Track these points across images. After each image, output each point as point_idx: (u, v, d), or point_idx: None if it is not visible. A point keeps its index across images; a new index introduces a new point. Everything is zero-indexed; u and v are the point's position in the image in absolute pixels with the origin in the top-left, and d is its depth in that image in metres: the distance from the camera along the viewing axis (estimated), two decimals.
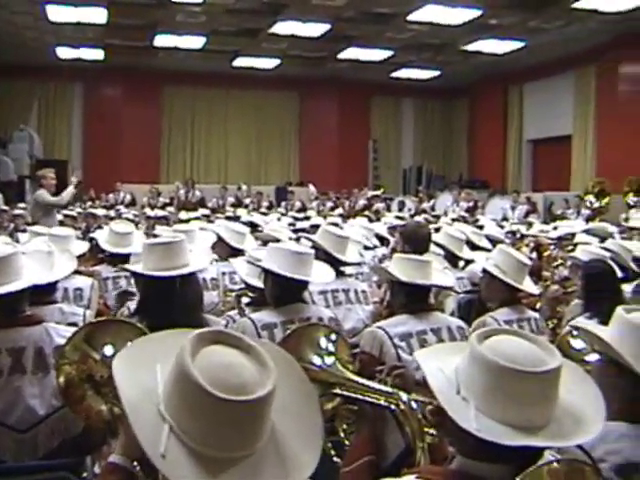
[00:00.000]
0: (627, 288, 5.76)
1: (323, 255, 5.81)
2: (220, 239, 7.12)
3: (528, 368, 2.11)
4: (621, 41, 20.74)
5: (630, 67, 21.62)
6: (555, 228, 11.40)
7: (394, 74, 27.57)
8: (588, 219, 15.99)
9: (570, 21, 19.92)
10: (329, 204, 22.13)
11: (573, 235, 9.61)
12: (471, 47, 23.11)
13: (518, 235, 11.44)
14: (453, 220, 13.58)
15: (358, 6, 19.20)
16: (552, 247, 9.50)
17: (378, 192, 23.90)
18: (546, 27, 20.62)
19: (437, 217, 16.03)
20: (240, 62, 26.06)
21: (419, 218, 14.44)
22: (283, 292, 4.61)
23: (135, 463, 2.24)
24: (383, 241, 9.38)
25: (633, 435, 2.70)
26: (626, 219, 15.92)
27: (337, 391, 3.22)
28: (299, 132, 29.74)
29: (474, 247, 7.76)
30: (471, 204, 20.30)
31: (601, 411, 2.31)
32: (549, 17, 19.67)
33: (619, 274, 5.80)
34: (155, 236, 6.52)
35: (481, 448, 2.13)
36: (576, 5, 18.35)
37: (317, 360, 3.25)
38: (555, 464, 1.97)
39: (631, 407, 2.78)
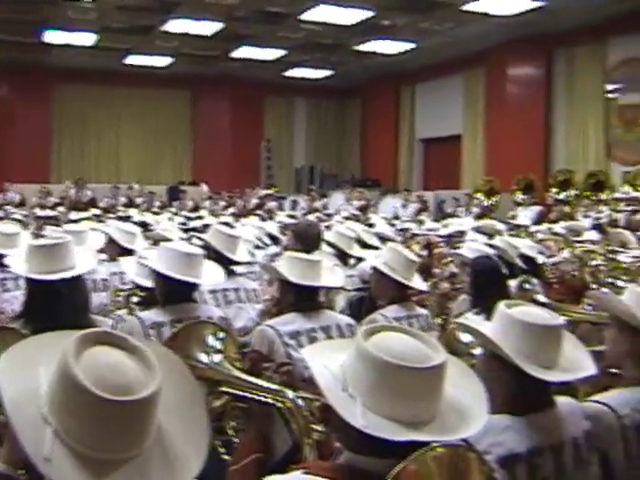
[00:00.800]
0: (513, 283, 5.87)
1: (214, 254, 5.79)
2: (110, 239, 7.04)
3: (413, 364, 2.13)
4: (509, 44, 21.19)
5: (517, 69, 22.13)
6: (445, 226, 11.60)
7: (287, 73, 27.61)
8: (478, 217, 16.27)
9: (460, 23, 20.26)
10: (222, 203, 22.05)
11: (462, 233, 9.77)
12: (363, 47, 23.29)
13: (409, 233, 11.56)
14: (345, 219, 13.67)
15: (251, 5, 19.16)
16: (442, 244, 9.64)
17: (271, 191, 23.95)
18: (437, 29, 20.93)
19: (329, 216, 16.13)
20: (132, 60, 25.73)
21: (311, 217, 14.49)
22: (172, 292, 4.59)
23: (21, 471, 2.18)
24: (275, 240, 9.38)
25: (516, 427, 2.76)
26: (513, 217, 16.31)
27: (225, 389, 3.21)
28: (192, 131, 29.51)
29: (365, 245, 7.84)
30: (363, 203, 20.48)
31: (484, 405, 2.35)
32: (440, 19, 19.96)
33: (505, 270, 5.92)
34: (43, 237, 6.39)
35: (367, 443, 2.15)
36: (466, 8, 18.67)
37: (204, 358, 3.24)
38: (440, 449, 1.99)
39: (514, 400, 2.83)
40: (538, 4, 18.26)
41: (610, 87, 20.12)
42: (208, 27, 21.32)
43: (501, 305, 2.95)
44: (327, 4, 18.81)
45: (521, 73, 22.10)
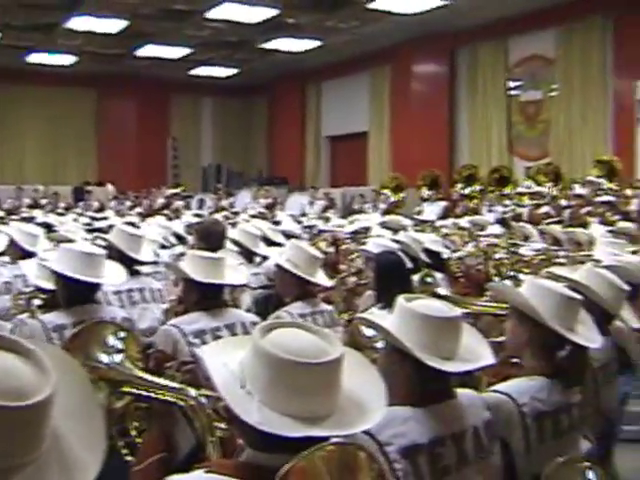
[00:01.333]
0: (416, 278, 5.94)
1: (117, 254, 5.73)
2: (12, 241, 6.90)
3: (308, 360, 2.13)
4: (414, 42, 21.41)
5: (422, 67, 22.40)
6: (352, 222, 11.67)
7: (193, 72, 27.47)
8: (384, 213, 16.41)
9: (365, 21, 20.39)
10: (128, 203, 21.82)
11: (368, 229, 9.84)
12: (269, 45, 23.28)
13: (316, 230, 11.61)
14: (252, 217, 13.65)
15: (156, 3, 19.01)
16: (349, 241, 9.69)
17: (177, 190, 23.78)
18: (342, 27, 21.03)
19: (236, 214, 16.09)
20: (35, 58, 25.26)
21: (218, 216, 14.43)
22: (74, 293, 4.54)
23: None
24: (181, 239, 9.32)
25: (418, 418, 2.79)
26: (419, 212, 16.51)
27: (127, 389, 3.18)
28: (97, 131, 29.13)
29: (271, 243, 7.85)
30: (270, 201, 20.49)
31: (383, 398, 2.37)
32: (345, 17, 20.07)
33: (409, 265, 5.98)
34: None
35: (267, 440, 2.15)
36: (371, 6, 18.79)
37: (105, 358, 3.20)
38: (330, 447, 2.00)
39: (415, 391, 2.87)
40: (441, 2, 18.50)
41: (512, 84, 20.50)
42: (112, 25, 21.08)
43: (400, 299, 2.98)
44: (232, 2, 18.77)
45: (425, 70, 22.39)
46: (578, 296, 3.57)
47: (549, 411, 3.33)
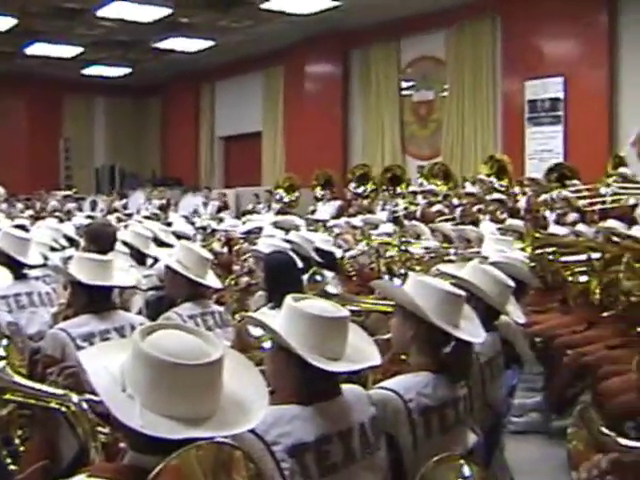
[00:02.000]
0: (306, 276, 5.96)
1: (4, 258, 5.62)
2: None
3: (188, 361, 2.13)
4: (307, 42, 21.48)
5: (315, 67, 22.48)
6: (245, 223, 11.65)
7: (85, 71, 27.02)
8: (278, 213, 16.43)
9: (259, 21, 20.35)
10: (19, 205, 21.34)
11: (261, 229, 9.85)
12: (162, 45, 23.05)
13: (209, 230, 11.57)
14: (145, 218, 13.51)
15: (45, 1, 18.63)
16: (242, 241, 9.68)
17: (70, 192, 23.37)
18: (235, 27, 20.95)
19: (129, 215, 15.93)
20: None
21: (111, 217, 14.26)
22: None
23: None
24: (72, 242, 9.16)
25: (304, 416, 2.80)
26: (313, 212, 16.56)
27: (9, 397, 3.12)
28: None
29: (163, 244, 7.79)
30: (164, 202, 20.32)
31: (265, 398, 2.39)
32: (238, 17, 20.00)
33: (300, 264, 6.01)
34: None
35: (149, 443, 2.14)
36: (264, 6, 18.76)
37: None
38: (205, 446, 2.00)
39: (302, 390, 2.88)
40: (334, 3, 18.58)
41: (404, 84, 20.72)
42: (1, 23, 20.54)
43: (288, 299, 2.99)
44: (123, 0, 18.51)
45: (319, 71, 22.47)
46: (461, 292, 3.63)
47: (435, 406, 3.38)
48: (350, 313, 3.05)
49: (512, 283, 4.65)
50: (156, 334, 2.25)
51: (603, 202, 10.77)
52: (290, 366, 2.89)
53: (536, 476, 5.68)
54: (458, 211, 12.73)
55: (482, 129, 18.67)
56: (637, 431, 4.25)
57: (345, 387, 3.03)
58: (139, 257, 7.15)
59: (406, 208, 14.08)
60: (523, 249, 7.40)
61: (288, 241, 6.98)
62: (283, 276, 5.39)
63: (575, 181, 12.63)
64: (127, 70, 27.00)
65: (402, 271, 7.34)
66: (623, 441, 2.66)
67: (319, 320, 2.87)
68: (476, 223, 10.87)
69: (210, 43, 22.73)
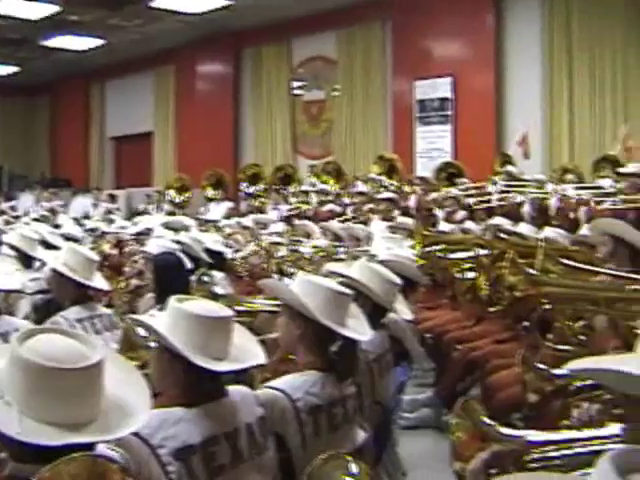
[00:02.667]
0: (194, 277, 5.92)
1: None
2: None
3: (67, 365, 2.10)
4: (198, 42, 21.32)
5: (207, 67, 22.34)
6: (135, 224, 11.53)
7: None
8: (169, 213, 16.30)
9: (149, 20, 20.08)
10: None
11: (152, 230, 9.75)
12: (51, 43, 22.49)
13: (99, 232, 11.39)
14: (34, 220, 13.23)
15: None
16: (132, 242, 9.57)
17: None
18: (126, 25, 20.63)
19: (17, 218, 15.57)
20: None
21: None
22: None
23: None
24: None
25: (190, 418, 2.79)
26: (205, 212, 16.47)
27: None
28: None
29: (50, 247, 7.63)
30: (53, 203, 19.92)
31: (147, 401, 2.36)
32: (128, 15, 19.68)
33: (189, 265, 5.97)
34: None
35: (29, 451, 2.09)
36: (154, 4, 18.52)
37: None
38: (79, 458, 1.96)
39: (187, 392, 2.87)
40: (225, 3, 18.46)
41: (295, 84, 20.75)
42: None
43: (172, 299, 2.98)
44: None
45: (210, 71, 22.34)
46: (348, 291, 3.66)
47: (323, 405, 3.40)
48: (238, 313, 3.05)
49: (399, 281, 4.71)
50: (34, 339, 2.20)
51: (490, 200, 10.99)
52: (174, 367, 2.88)
53: (428, 470, 5.75)
54: (349, 210, 12.82)
55: (373, 129, 18.82)
56: (523, 421, 4.34)
57: (231, 388, 3.03)
58: (26, 260, 6.97)
59: (298, 207, 14.09)
60: (413, 247, 7.48)
61: (177, 242, 6.92)
62: (171, 277, 5.35)
63: (464, 179, 12.86)
64: (15, 69, 26.33)
65: (292, 271, 7.35)
66: (504, 430, 2.71)
67: (202, 320, 2.87)
68: (367, 222, 10.96)
69: (100, 42, 22.32)
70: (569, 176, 12.39)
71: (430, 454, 6.28)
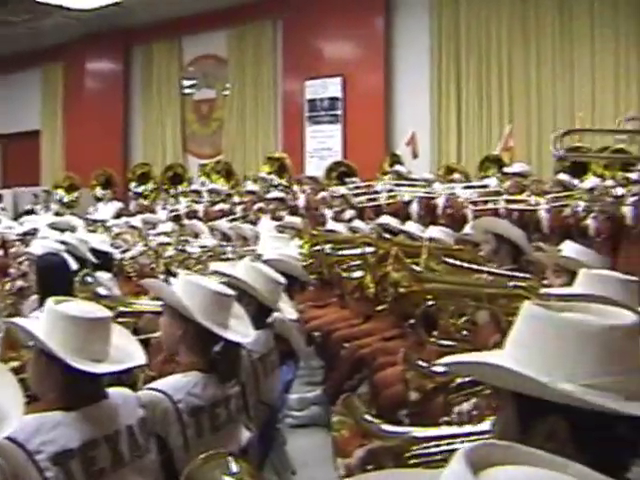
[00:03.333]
0: (77, 278, 5.83)
1: None
2: None
3: None
4: (88, 38, 20.96)
5: (96, 64, 21.98)
6: (22, 224, 11.30)
7: None
8: (57, 213, 16.03)
9: (37, 15, 19.67)
10: None
11: (38, 230, 9.58)
12: None
13: None
14: None
15: None
16: (18, 243, 9.38)
17: None
18: (12, 20, 20.13)
19: None
20: None
21: None
22: None
23: None
24: None
25: (68, 422, 2.75)
26: (93, 212, 16.25)
27: None
28: None
29: None
30: None
31: (19, 405, 2.32)
32: (15, 10, 19.26)
33: (75, 266, 5.87)
34: None
35: None
36: None
37: None
38: None
39: (65, 395, 2.83)
40: None
41: (186, 83, 20.63)
42: None
43: (49, 301, 2.94)
44: None
45: (100, 68, 21.99)
46: (230, 292, 3.65)
47: (205, 406, 3.39)
48: (122, 314, 3.02)
49: (284, 280, 4.73)
50: None
51: (379, 199, 11.11)
52: (52, 370, 2.84)
53: (318, 468, 5.77)
54: (239, 209, 12.81)
55: (263, 128, 18.86)
56: (409, 418, 4.40)
57: (112, 390, 3.00)
58: None
59: (188, 207, 14.01)
60: (301, 246, 7.52)
61: (63, 242, 6.79)
62: (54, 278, 5.27)
63: (354, 179, 12.96)
64: None
65: (180, 271, 7.30)
66: (386, 427, 2.74)
67: (79, 322, 2.84)
68: (256, 221, 10.97)
69: None
70: (456, 175, 12.62)
71: (319, 452, 6.29)
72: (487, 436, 2.48)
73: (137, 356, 3.06)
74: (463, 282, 4.67)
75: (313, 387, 7.42)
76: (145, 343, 3.77)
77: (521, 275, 4.79)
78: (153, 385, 3.34)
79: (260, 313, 4.47)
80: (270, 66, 18.83)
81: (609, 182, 9.81)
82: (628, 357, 1.71)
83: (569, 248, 4.85)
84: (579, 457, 1.61)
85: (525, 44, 15.09)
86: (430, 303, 4.50)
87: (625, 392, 1.66)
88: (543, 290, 4.28)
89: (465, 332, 4.64)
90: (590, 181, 9.92)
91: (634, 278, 3.80)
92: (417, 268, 4.68)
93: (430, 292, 4.49)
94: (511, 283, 4.44)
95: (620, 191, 9.11)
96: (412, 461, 2.62)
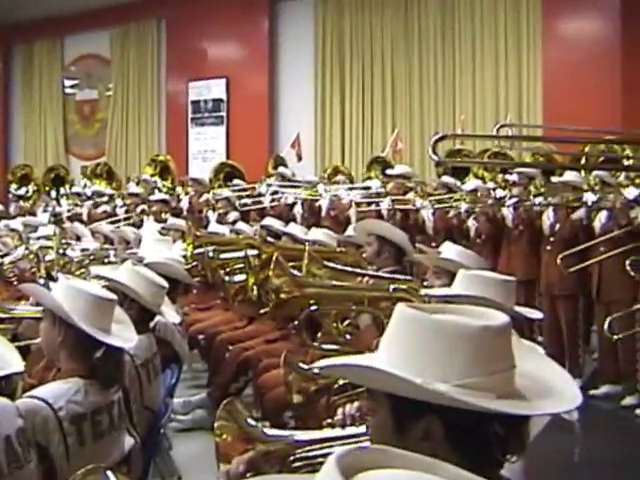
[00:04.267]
0: None
1: None
2: None
3: None
4: None
5: None
6: None
7: None
8: None
9: None
10: None
11: None
12: None
13: None
14: None
15: None
16: None
17: None
18: None
19: None
20: None
21: None
22: None
23: None
24: None
25: None
26: None
27: None
28: None
29: None
30: None
31: None
32: None
33: None
34: None
35: None
36: None
37: None
38: None
39: None
40: None
41: (68, 83, 20.27)
42: None
43: None
44: None
45: None
46: (111, 295, 3.61)
47: (87, 413, 3.34)
48: (1, 320, 2.96)
49: (165, 283, 4.70)
50: None
51: (262, 201, 11.13)
52: None
53: (203, 473, 5.73)
54: (122, 212, 12.66)
55: (147, 129, 18.69)
56: (295, 420, 4.43)
57: None
58: None
59: (70, 210, 13.75)
60: (185, 248, 7.49)
61: None
62: None
63: (239, 181, 12.94)
64: None
65: (61, 274, 7.17)
66: (269, 431, 2.76)
67: None
68: (140, 224, 10.86)
69: None
70: (340, 177, 12.71)
71: (205, 456, 6.26)
72: (365, 438, 2.53)
73: (14, 363, 3.00)
74: (345, 286, 4.72)
75: (198, 390, 7.41)
76: (25, 350, 3.71)
77: (402, 277, 4.85)
78: (32, 393, 3.27)
79: (142, 317, 4.44)
80: (154, 67, 18.67)
81: (490, 184, 10.05)
82: (500, 357, 1.76)
83: (448, 250, 4.94)
84: (454, 456, 1.66)
85: (408, 48, 15.36)
86: (313, 308, 4.53)
87: (497, 391, 1.71)
88: (423, 291, 4.35)
89: (348, 336, 4.69)
90: (471, 183, 10.12)
91: (511, 278, 3.90)
92: (298, 273, 4.70)
93: (312, 297, 4.51)
94: (392, 286, 4.49)
95: (500, 193, 9.34)
96: (296, 464, 2.64)
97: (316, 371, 3.45)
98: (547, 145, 10.16)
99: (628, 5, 12.68)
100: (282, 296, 4.45)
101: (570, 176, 8.52)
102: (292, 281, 4.46)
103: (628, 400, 7.85)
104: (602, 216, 7.97)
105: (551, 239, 8.49)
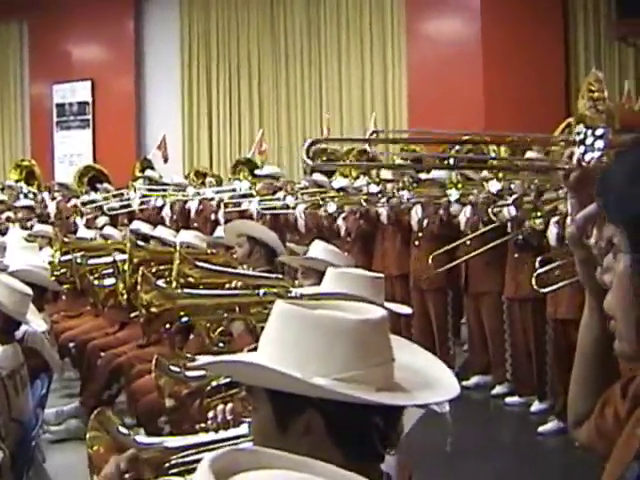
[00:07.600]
0: None
1: None
2: None
3: None
4: None
5: None
6: None
7: None
8: None
9: None
10: None
11: None
12: None
13: None
14: None
15: None
16: None
17: None
18: None
19: None
20: None
21: None
22: None
23: None
24: None
25: None
26: None
27: None
28: None
29: None
30: None
31: None
32: None
33: None
34: None
35: None
36: None
37: None
38: None
39: None
40: None
41: None
42: None
43: None
44: None
45: None
46: None
47: None
48: None
49: (30, 291, 4.60)
50: None
51: (131, 205, 11.01)
52: None
53: None
54: None
55: (10, 133, 18.30)
56: (170, 425, 4.39)
57: None
58: None
59: None
60: (52, 255, 7.35)
61: None
62: None
63: (106, 184, 12.73)
64: None
65: None
66: (140, 439, 2.72)
67: None
68: (5, 231, 10.58)
69: None
70: (208, 179, 12.65)
71: (80, 467, 6.15)
72: (243, 440, 2.52)
73: None
74: (215, 294, 4.69)
75: (70, 400, 7.27)
76: None
77: (273, 276, 4.85)
78: None
79: (7, 327, 4.34)
80: (16, 69, 18.32)
81: (361, 181, 10.10)
82: (379, 350, 1.79)
83: (315, 249, 4.97)
84: (336, 450, 1.69)
85: (274, 48, 15.49)
86: (184, 320, 4.49)
87: (376, 383, 1.73)
88: (294, 291, 4.37)
89: (221, 344, 4.67)
90: (338, 182, 10.16)
91: (379, 275, 3.96)
92: (166, 286, 4.64)
93: (183, 308, 4.47)
94: (262, 290, 4.48)
95: (374, 189, 9.41)
96: (172, 471, 2.62)
97: (188, 374, 3.43)
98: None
99: (488, 7, 13.03)
100: (153, 310, 4.39)
101: (436, 173, 8.68)
102: (161, 294, 4.40)
103: (498, 389, 8.08)
104: (467, 210, 8.16)
105: (419, 234, 8.64)
